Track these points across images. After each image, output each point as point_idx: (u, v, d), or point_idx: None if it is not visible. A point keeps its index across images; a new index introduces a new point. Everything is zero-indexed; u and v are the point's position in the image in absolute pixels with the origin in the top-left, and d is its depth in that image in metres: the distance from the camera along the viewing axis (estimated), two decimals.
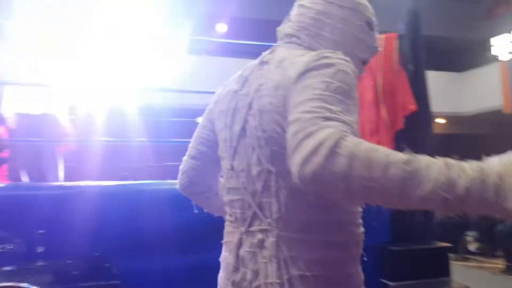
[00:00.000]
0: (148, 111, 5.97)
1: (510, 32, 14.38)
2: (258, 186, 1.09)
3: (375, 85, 3.19)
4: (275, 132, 1.05)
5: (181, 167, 1.37)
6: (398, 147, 3.24)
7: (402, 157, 0.80)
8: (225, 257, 1.20)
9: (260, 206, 1.09)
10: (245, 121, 1.13)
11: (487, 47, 14.95)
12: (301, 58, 1.04)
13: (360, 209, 1.15)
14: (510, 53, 13.74)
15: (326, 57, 1.01)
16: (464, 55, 13.68)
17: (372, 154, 0.79)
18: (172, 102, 7.29)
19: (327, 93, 0.93)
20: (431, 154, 0.85)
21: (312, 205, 1.04)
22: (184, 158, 1.36)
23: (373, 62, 3.28)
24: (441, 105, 9.50)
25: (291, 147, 0.88)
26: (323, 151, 0.80)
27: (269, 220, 1.07)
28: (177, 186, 1.39)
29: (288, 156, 0.89)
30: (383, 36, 3.35)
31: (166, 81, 5.78)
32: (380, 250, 3.08)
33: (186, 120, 6.73)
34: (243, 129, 1.13)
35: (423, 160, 0.80)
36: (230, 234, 1.19)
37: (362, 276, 1.16)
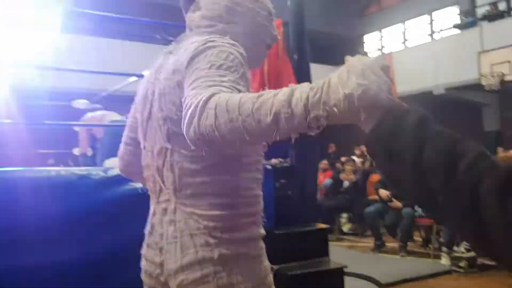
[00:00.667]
0: (21, 93, 5.42)
1: (380, 30, 15.71)
2: (159, 162, 1.24)
3: (262, 70, 3.21)
4: (171, 112, 1.18)
5: (118, 153, 1.49)
6: None
7: (254, 94, 0.89)
8: (146, 226, 1.35)
9: (163, 180, 1.24)
10: (151, 106, 1.26)
11: (360, 43, 16.15)
12: (192, 45, 1.16)
13: (256, 176, 1.32)
14: (379, 49, 15.03)
15: (212, 41, 1.13)
16: (339, 49, 14.59)
17: (230, 100, 0.90)
18: (47, 84, 6.74)
19: (212, 70, 1.04)
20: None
21: (200, 181, 1.18)
22: (121, 144, 1.48)
23: None
24: None
25: (184, 119, 0.97)
26: (198, 111, 0.92)
27: (169, 191, 1.22)
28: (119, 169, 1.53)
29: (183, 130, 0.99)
30: None
31: (40, 60, 5.31)
32: (267, 235, 3.14)
33: (61, 103, 6.29)
34: (150, 112, 1.27)
35: (272, 91, 0.88)
36: (150, 206, 1.34)
37: (262, 243, 1.35)
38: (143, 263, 1.32)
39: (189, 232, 1.18)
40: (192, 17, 1.31)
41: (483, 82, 10.06)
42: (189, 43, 1.19)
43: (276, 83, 3.20)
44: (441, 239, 5.54)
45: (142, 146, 1.33)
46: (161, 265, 1.23)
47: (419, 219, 5.84)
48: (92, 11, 4.09)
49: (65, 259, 2.43)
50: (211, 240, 1.17)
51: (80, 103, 6.13)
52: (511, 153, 6.33)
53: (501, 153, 6.91)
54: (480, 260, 5.13)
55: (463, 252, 4.95)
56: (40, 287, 2.29)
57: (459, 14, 13.27)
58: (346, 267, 3.22)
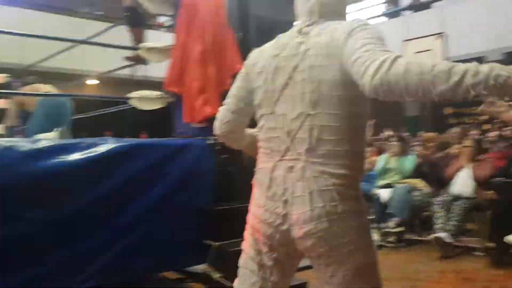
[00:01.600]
0: None
1: None
2: (294, 125, 1.46)
3: (204, 42, 3.06)
4: (325, 79, 1.41)
5: (220, 117, 1.75)
6: None
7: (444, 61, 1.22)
8: (260, 179, 1.57)
9: (293, 142, 1.47)
10: (290, 77, 1.50)
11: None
12: (341, 25, 1.45)
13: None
14: None
15: (360, 21, 1.43)
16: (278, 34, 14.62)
17: (421, 61, 1.20)
18: None
19: (374, 40, 1.33)
20: None
21: (337, 138, 1.42)
22: (223, 110, 1.74)
23: (201, 19, 3.16)
24: None
25: (361, 71, 1.27)
26: (387, 64, 1.22)
27: (299, 151, 1.45)
28: (217, 132, 1.79)
29: (358, 79, 1.29)
30: None
31: None
32: (204, 211, 3.03)
33: None
34: (286, 83, 1.50)
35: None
36: (265, 163, 1.57)
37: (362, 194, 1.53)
38: (260, 212, 1.56)
39: (318, 189, 1.41)
40: (307, 7, 1.57)
41: None
42: (334, 26, 1.46)
43: (219, 57, 3.07)
44: (371, 216, 5.74)
45: (269, 111, 1.55)
46: (285, 215, 1.47)
47: None
48: None
49: None
50: (337, 196, 1.40)
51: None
52: (434, 135, 6.68)
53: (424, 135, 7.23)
54: (407, 235, 5.39)
55: (393, 227, 5.15)
56: None
57: (384, 3, 13.80)
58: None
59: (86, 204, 2.55)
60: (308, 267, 4.12)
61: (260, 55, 1.64)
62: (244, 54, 3.17)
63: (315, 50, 1.44)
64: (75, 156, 2.58)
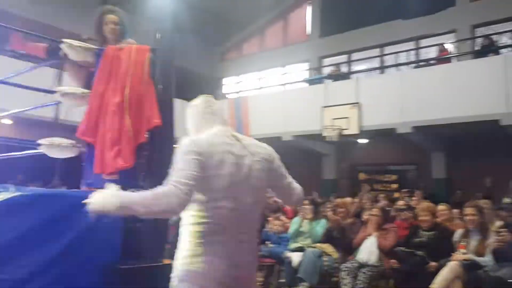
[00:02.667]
0: None
1: (238, 75, 16.43)
2: (251, 210, 2.12)
3: (122, 94, 3.03)
4: (266, 183, 2.19)
5: (183, 197, 1.90)
6: (139, 159, 3.11)
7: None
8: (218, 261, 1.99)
9: (246, 220, 2.13)
10: (249, 173, 2.09)
11: (220, 84, 16.65)
12: (264, 148, 2.26)
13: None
14: (236, 93, 15.61)
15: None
16: (203, 88, 14.81)
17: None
18: None
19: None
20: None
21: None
22: (185, 192, 1.90)
23: (123, 71, 3.14)
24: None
25: (293, 193, 2.34)
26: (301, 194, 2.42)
27: (247, 230, 2.13)
28: (177, 210, 1.95)
29: (287, 196, 2.35)
30: (135, 46, 3.25)
31: None
32: (108, 269, 2.88)
33: None
34: (247, 177, 2.08)
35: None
36: (222, 237, 2.03)
37: None
38: (224, 276, 1.97)
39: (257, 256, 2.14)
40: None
41: (325, 134, 11.04)
42: (255, 144, 2.20)
43: (137, 110, 3.04)
44: (281, 279, 5.74)
45: (228, 194, 2.01)
46: (237, 278, 2.00)
47: (262, 259, 6.00)
48: None
49: None
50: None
51: None
52: (347, 200, 6.95)
53: (336, 199, 7.50)
54: None
55: None
56: None
57: (308, 70, 14.59)
58: None
59: None
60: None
61: (210, 147, 2.03)
62: (163, 106, 3.19)
63: (258, 157, 2.14)
64: None
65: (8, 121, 10.95)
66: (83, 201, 1.91)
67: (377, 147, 12.49)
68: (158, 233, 3.20)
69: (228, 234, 1.99)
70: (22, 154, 3.62)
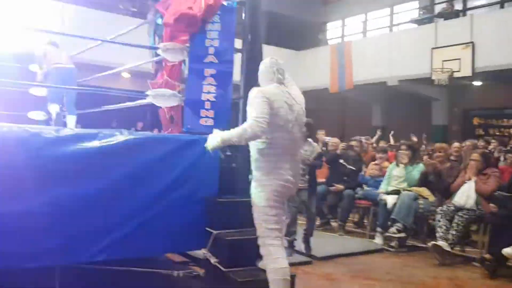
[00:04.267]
0: None
1: (342, 19, 16.00)
2: (298, 139, 3.01)
3: None
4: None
5: (264, 126, 2.72)
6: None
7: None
8: (283, 172, 2.86)
9: (296, 147, 3.00)
10: (296, 115, 2.94)
11: (322, 30, 16.40)
12: (300, 94, 3.07)
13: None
14: (339, 37, 15.33)
15: None
16: (302, 35, 14.77)
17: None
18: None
19: None
20: None
21: None
22: (264, 121, 2.71)
23: None
24: None
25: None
26: None
27: (296, 152, 3.03)
28: (260, 135, 2.76)
29: None
30: None
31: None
32: (208, 202, 3.33)
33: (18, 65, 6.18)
34: (295, 119, 2.92)
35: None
36: (283, 157, 2.87)
37: None
38: (285, 183, 2.84)
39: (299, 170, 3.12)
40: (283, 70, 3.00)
41: (434, 77, 10.53)
42: (295, 89, 3.02)
43: None
44: (377, 221, 5.92)
45: (285, 128, 2.85)
46: (295, 183, 2.95)
47: (358, 201, 6.20)
48: None
49: (15, 210, 2.55)
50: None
51: (37, 67, 6.08)
52: (443, 145, 6.74)
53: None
54: (410, 242, 5.56)
55: (394, 233, 5.32)
56: None
57: (418, 9, 13.74)
58: (294, 275, 3.42)
59: (100, 187, 2.90)
60: (308, 262, 4.37)
61: (273, 95, 2.82)
62: (251, 57, 3.64)
63: (299, 100, 3.00)
64: (94, 144, 2.92)
65: (127, 75, 12.13)
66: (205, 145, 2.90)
67: (493, 90, 11.62)
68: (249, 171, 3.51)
69: (287, 155, 2.88)
70: (135, 104, 4.17)
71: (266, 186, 2.82)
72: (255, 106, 2.75)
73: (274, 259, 2.80)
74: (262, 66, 3.03)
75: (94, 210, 2.89)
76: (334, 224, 6.59)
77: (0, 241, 2.55)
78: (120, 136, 3.04)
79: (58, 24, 8.58)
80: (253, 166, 2.93)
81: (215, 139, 2.84)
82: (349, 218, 6.57)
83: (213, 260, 3.14)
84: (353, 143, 7.15)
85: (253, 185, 2.90)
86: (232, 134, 2.79)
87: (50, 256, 2.72)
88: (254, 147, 2.90)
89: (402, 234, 5.33)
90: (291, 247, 4.62)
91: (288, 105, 2.86)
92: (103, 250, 2.90)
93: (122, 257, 3.03)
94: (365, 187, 6.30)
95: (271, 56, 3.07)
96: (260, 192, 2.84)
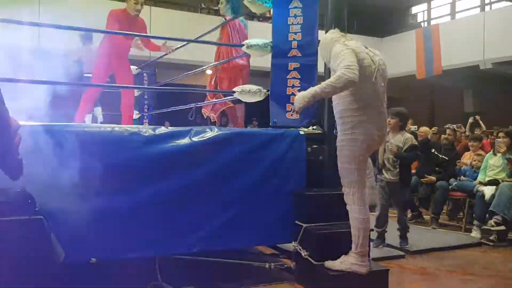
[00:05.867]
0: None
1: (428, 2, 15.22)
2: (382, 90, 3.00)
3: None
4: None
5: (355, 71, 2.72)
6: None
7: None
8: (370, 125, 2.90)
9: (380, 99, 2.99)
10: (380, 72, 2.95)
11: (407, 15, 15.72)
12: (380, 55, 3.05)
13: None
14: (425, 21, 14.60)
15: None
16: (385, 21, 14.28)
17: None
18: None
19: None
20: None
21: None
22: (355, 68, 2.73)
23: None
24: None
25: None
26: None
27: (383, 104, 3.04)
28: (355, 79, 2.71)
29: None
30: None
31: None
32: (296, 195, 3.36)
33: None
34: (377, 70, 2.92)
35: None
36: (374, 108, 2.93)
37: None
38: (372, 137, 2.92)
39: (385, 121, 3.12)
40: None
41: None
42: (377, 54, 3.02)
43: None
44: (473, 213, 5.59)
45: (369, 80, 2.87)
46: (382, 136, 3.04)
47: (452, 192, 5.89)
48: None
49: (117, 205, 2.76)
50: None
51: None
52: None
53: None
54: (510, 235, 5.19)
55: (492, 226, 5.00)
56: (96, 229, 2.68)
57: None
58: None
59: (194, 181, 3.04)
60: (401, 256, 4.26)
61: (356, 48, 2.87)
62: None
63: (382, 60, 3.01)
64: (186, 140, 3.07)
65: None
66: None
67: None
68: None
69: (373, 108, 2.90)
70: (220, 100, 4.30)
71: (353, 140, 2.87)
72: (344, 56, 2.76)
73: (358, 209, 2.93)
74: (331, 35, 3.06)
75: (189, 203, 3.03)
76: (426, 216, 6.33)
77: (105, 233, 2.75)
78: (211, 132, 3.15)
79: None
80: (338, 122, 2.98)
81: (302, 99, 2.79)
82: (442, 211, 6.27)
83: (303, 253, 3.16)
84: (446, 131, 6.80)
85: (340, 139, 2.96)
86: (322, 86, 2.74)
87: (151, 247, 2.90)
88: (339, 102, 2.94)
89: (502, 227, 4.98)
90: (380, 238, 4.51)
91: (369, 56, 2.89)
92: (199, 242, 3.03)
93: (216, 248, 3.15)
94: (462, 178, 5.96)
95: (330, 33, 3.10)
96: (346, 146, 2.90)
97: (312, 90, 2.77)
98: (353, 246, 2.97)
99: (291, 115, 3.65)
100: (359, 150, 2.89)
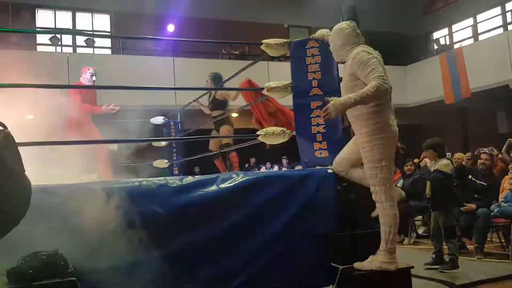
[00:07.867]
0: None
1: (449, 26, 15.14)
2: None
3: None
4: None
5: (388, 82, 2.89)
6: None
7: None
8: (392, 122, 3.07)
9: None
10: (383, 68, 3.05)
11: (428, 41, 15.65)
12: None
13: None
14: (447, 44, 14.46)
15: None
16: (407, 49, 14.23)
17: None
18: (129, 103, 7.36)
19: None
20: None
21: None
22: (386, 77, 2.88)
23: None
24: None
25: None
26: None
27: None
28: (388, 88, 2.92)
29: None
30: None
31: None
32: (329, 236, 3.26)
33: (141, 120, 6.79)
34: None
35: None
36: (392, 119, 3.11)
37: None
38: (394, 135, 3.06)
39: None
40: None
41: None
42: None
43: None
44: None
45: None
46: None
47: (496, 219, 5.63)
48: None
49: (151, 260, 2.73)
50: None
51: (158, 120, 6.67)
52: None
53: None
54: None
55: None
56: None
57: None
58: (412, 267, 3.23)
59: (223, 229, 3.00)
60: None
61: (379, 56, 3.05)
62: None
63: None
64: (213, 188, 3.05)
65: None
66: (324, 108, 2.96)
67: None
68: (371, 200, 3.39)
69: (389, 106, 3.05)
70: (245, 144, 4.32)
71: (384, 139, 2.99)
72: (374, 66, 2.91)
73: (389, 206, 3.00)
74: (345, 31, 3.12)
75: (220, 252, 2.98)
76: (470, 247, 6.03)
77: (144, 285, 2.72)
78: (238, 178, 3.13)
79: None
80: (360, 124, 3.05)
81: (341, 106, 2.88)
82: (487, 239, 5.97)
83: None
84: (482, 156, 6.56)
85: (366, 140, 3.02)
86: (361, 96, 2.83)
87: None
88: (361, 108, 3.02)
89: None
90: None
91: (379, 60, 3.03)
92: None
93: None
94: (503, 204, 5.70)
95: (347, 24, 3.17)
96: (376, 146, 2.99)
97: (350, 98, 2.86)
98: (382, 243, 3.03)
99: (320, 153, 3.62)
100: (392, 147, 3.05)
